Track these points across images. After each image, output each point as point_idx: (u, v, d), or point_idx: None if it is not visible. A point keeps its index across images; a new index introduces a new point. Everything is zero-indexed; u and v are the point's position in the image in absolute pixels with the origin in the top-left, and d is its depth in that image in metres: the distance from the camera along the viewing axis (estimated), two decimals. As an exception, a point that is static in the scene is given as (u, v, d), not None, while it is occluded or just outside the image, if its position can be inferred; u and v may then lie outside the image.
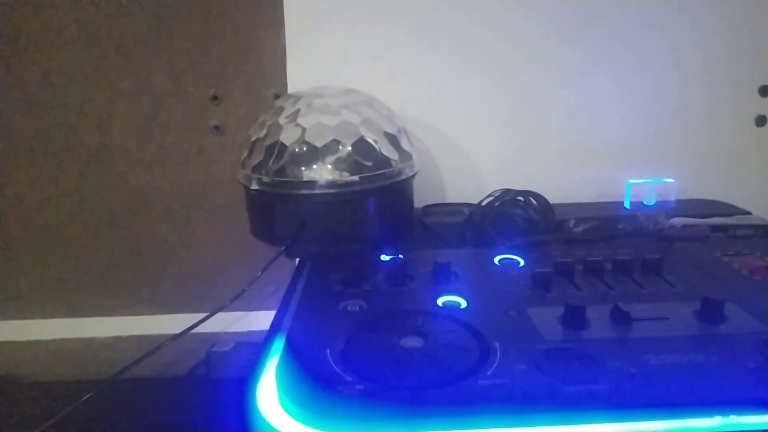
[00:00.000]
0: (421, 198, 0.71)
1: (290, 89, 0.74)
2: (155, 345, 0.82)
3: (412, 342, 0.41)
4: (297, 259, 0.59)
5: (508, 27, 0.72)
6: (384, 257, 0.56)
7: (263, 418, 0.35)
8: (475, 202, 0.63)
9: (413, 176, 0.60)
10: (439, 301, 0.47)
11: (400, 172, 0.57)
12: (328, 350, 0.40)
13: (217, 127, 0.75)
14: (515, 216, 0.62)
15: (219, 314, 0.83)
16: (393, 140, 0.58)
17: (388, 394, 0.35)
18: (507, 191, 0.62)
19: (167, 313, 0.82)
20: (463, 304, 0.47)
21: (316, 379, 0.37)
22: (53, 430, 0.64)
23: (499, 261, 0.55)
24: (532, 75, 0.74)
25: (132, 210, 0.77)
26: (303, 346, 0.41)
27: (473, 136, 0.75)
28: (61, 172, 0.75)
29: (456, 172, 0.75)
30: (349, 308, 0.47)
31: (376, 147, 0.56)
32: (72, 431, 0.65)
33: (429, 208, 0.68)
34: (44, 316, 0.81)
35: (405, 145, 0.59)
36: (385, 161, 0.56)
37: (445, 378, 0.36)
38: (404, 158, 0.58)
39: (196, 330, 0.82)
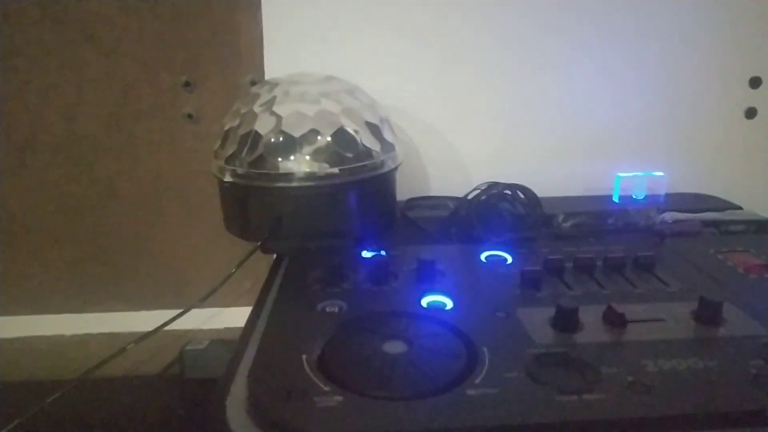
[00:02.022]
0: (404, 191, 0.68)
1: (268, 76, 0.70)
2: (126, 343, 0.78)
3: (395, 347, 0.38)
4: (274, 255, 0.56)
5: (496, 17, 0.69)
6: (366, 254, 0.53)
7: (229, 429, 0.32)
8: (461, 195, 0.61)
9: (396, 168, 0.57)
10: (424, 302, 0.45)
11: (382, 164, 0.54)
12: (304, 356, 0.37)
13: (190, 116, 0.71)
14: (502, 210, 0.59)
15: (193, 311, 0.80)
16: (375, 130, 0.55)
17: (369, 406, 0.32)
18: (494, 184, 0.59)
19: (138, 309, 0.78)
20: (449, 304, 0.44)
21: (291, 387, 0.34)
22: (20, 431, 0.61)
23: (486, 258, 0.53)
24: (520, 66, 0.71)
25: (101, 202, 0.73)
26: (277, 351, 0.38)
27: (459, 128, 0.72)
28: (25, 162, 0.71)
29: (441, 165, 0.73)
30: (327, 309, 0.44)
31: (357, 138, 0.53)
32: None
33: (413, 202, 0.65)
34: (8, 313, 0.77)
35: (387, 135, 0.56)
36: (367, 152, 0.53)
37: (430, 387, 0.34)
38: (386, 149, 0.55)
39: (169, 327, 0.79)
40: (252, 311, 0.47)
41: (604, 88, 0.72)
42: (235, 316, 0.81)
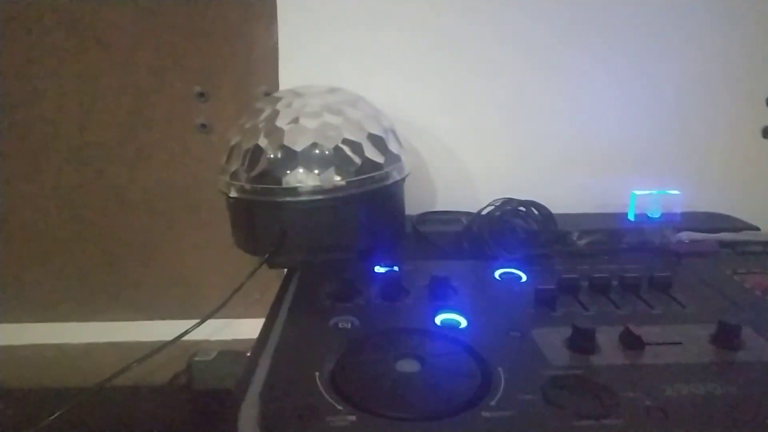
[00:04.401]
0: (417, 205, 0.68)
1: (282, 87, 0.70)
2: (133, 353, 0.78)
3: (408, 366, 0.38)
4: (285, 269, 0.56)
5: (511, 31, 0.69)
6: (378, 269, 0.53)
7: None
8: (473, 210, 0.60)
9: (402, 180, 0.56)
10: (437, 319, 0.44)
11: (386, 176, 0.54)
12: (317, 373, 0.37)
13: (204, 125, 0.71)
14: (516, 227, 0.59)
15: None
16: (379, 142, 0.54)
17: (382, 427, 0.32)
18: (508, 200, 0.59)
19: (146, 319, 0.78)
20: (463, 323, 0.43)
21: (303, 406, 0.33)
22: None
23: (500, 275, 0.52)
24: (535, 82, 0.71)
25: (112, 210, 0.73)
26: (290, 368, 0.38)
27: (472, 142, 0.72)
28: (38, 169, 0.71)
29: (453, 180, 0.72)
30: (340, 325, 0.43)
31: (360, 150, 0.52)
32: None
33: (425, 216, 0.65)
34: (16, 320, 0.77)
35: (393, 146, 0.55)
36: (370, 164, 0.53)
37: (444, 408, 0.33)
38: (391, 161, 0.54)
39: (175, 337, 0.78)
40: (264, 325, 0.47)
41: (618, 103, 0.72)
42: (243, 328, 0.80)
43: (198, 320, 0.77)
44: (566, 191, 0.70)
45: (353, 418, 0.32)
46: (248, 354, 0.74)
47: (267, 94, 0.71)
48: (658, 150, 0.72)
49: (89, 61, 0.68)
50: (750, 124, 0.73)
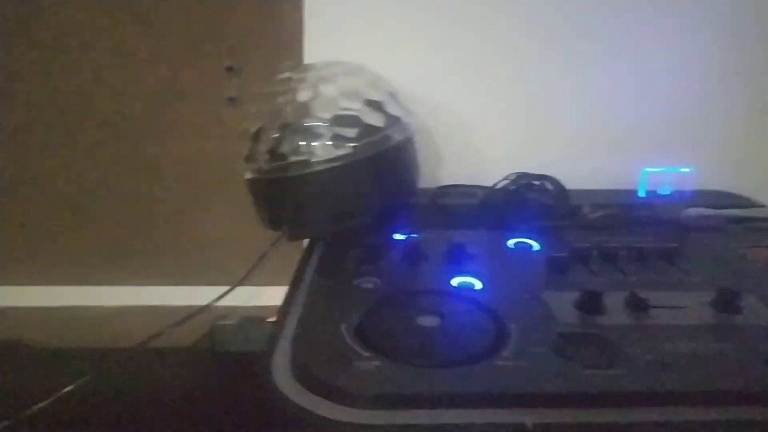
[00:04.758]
0: (436, 179, 0.71)
1: (308, 62, 0.73)
2: (161, 316, 0.82)
3: (429, 321, 0.41)
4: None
5: (527, 12, 0.71)
6: (398, 236, 0.56)
7: (279, 391, 0.35)
8: (490, 184, 0.63)
9: (407, 141, 0.58)
10: (454, 282, 0.47)
11: (387, 138, 0.56)
12: (343, 326, 0.40)
13: (232, 99, 0.74)
14: (530, 200, 0.61)
15: (224, 288, 0.83)
16: (377, 107, 0.56)
17: (405, 371, 0.35)
18: (523, 175, 0.61)
19: (174, 284, 0.82)
20: (478, 285, 0.46)
21: (332, 353, 0.37)
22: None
23: (514, 244, 0.55)
24: (550, 60, 0.73)
25: (145, 180, 0.77)
26: (319, 321, 0.41)
27: (489, 119, 0.74)
28: (75, 139, 0.75)
29: (472, 155, 0.75)
30: (363, 285, 0.46)
31: (357, 117, 0.55)
32: (73, 402, 0.66)
33: (443, 189, 0.68)
34: (52, 283, 0.81)
35: (393, 109, 0.57)
36: (371, 129, 0.55)
37: (462, 357, 0.36)
38: (391, 122, 0.56)
39: (198, 303, 0.82)
40: (290, 285, 0.50)
41: (632, 83, 0.74)
42: (265, 295, 0.84)
43: (227, 287, 0.81)
44: (579, 168, 0.72)
45: (378, 363, 0.36)
46: (271, 319, 0.78)
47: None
48: (670, 129, 0.74)
49: (124, 35, 0.71)
50: (762, 103, 0.75)
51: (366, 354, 0.36)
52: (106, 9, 0.70)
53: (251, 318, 0.81)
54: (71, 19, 0.71)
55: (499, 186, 0.62)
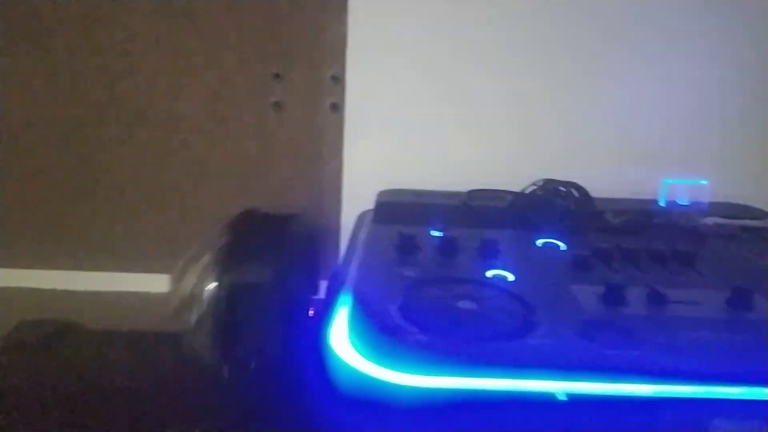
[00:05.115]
0: (469, 183, 0.75)
1: (349, 72, 0.78)
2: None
3: (467, 304, 0.45)
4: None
5: (558, 23, 0.76)
6: (434, 233, 0.61)
7: (339, 357, 0.40)
8: (518, 189, 0.67)
9: None
10: (488, 273, 0.52)
11: None
12: (391, 306, 0.44)
13: (277, 104, 0.80)
14: (556, 205, 0.66)
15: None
16: None
17: (447, 346, 0.40)
18: (550, 181, 0.66)
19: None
20: (510, 277, 0.51)
21: (382, 328, 0.41)
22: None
23: (542, 244, 0.60)
24: (576, 72, 0.77)
25: (192, 176, 0.82)
26: (368, 302, 0.46)
27: (519, 128, 0.79)
28: (132, 135, 0.80)
29: (502, 161, 0.79)
30: (405, 273, 0.51)
31: None
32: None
33: (474, 193, 0.72)
34: (104, 270, 0.86)
35: None
36: None
37: (497, 335, 0.41)
38: None
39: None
40: (330, 279, 0.55)
41: (654, 96, 0.78)
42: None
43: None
44: (603, 177, 0.76)
45: (424, 337, 0.40)
46: (310, 312, 0.82)
47: (335, 79, 0.79)
48: (690, 141, 0.78)
49: (181, 41, 0.77)
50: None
51: (413, 329, 0.41)
52: (165, 17, 0.76)
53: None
54: (133, 25, 0.76)
55: (527, 191, 0.66)
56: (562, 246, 0.58)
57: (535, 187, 0.66)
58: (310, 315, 0.86)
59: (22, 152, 0.82)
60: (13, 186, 0.83)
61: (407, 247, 0.56)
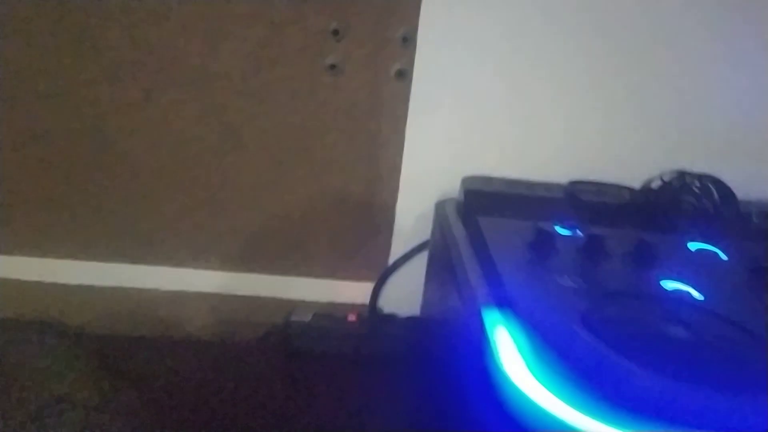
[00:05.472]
0: (567, 173, 0.63)
1: (421, 32, 0.65)
2: (222, 305, 0.73)
3: (679, 331, 0.33)
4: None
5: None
6: (561, 230, 0.48)
7: (524, 393, 0.27)
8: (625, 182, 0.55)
9: None
10: (666, 286, 0.39)
11: None
12: (573, 325, 0.31)
13: (333, 66, 0.66)
14: (687, 203, 0.54)
15: (297, 279, 0.75)
16: None
17: (690, 395, 0.27)
18: (682, 174, 0.54)
19: (243, 271, 0.73)
20: (696, 294, 0.38)
21: (580, 360, 0.28)
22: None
23: (695, 249, 0.47)
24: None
25: (222, 148, 0.68)
26: (542, 323, 0.33)
27: (621, 112, 0.67)
28: (150, 97, 0.65)
29: (604, 150, 0.67)
30: (565, 284, 0.38)
31: None
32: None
33: (576, 186, 0.60)
34: (101, 260, 0.71)
35: None
36: None
37: (740, 383, 0.28)
38: None
39: (271, 294, 0.74)
40: (447, 275, 0.42)
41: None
42: (344, 290, 0.75)
43: (299, 277, 0.72)
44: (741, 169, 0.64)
45: (639, 372, 0.28)
46: (352, 318, 0.69)
47: (405, 40, 0.66)
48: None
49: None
50: None
51: (627, 365, 0.28)
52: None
53: (325, 316, 0.73)
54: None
55: (654, 185, 0.54)
56: (721, 255, 0.46)
57: (661, 182, 0.54)
58: (350, 321, 0.73)
59: (17, 115, 0.66)
60: (9, 157, 0.67)
61: (545, 248, 0.43)
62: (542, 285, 0.38)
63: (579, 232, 0.48)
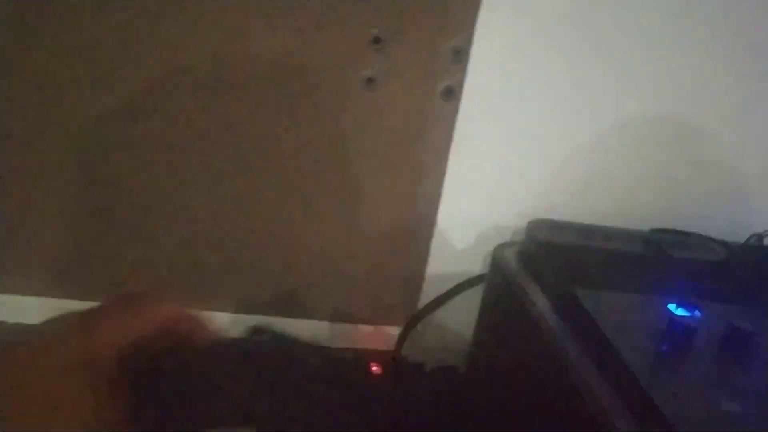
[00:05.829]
0: (645, 217, 0.54)
1: (476, 44, 0.55)
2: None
3: None
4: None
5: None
6: (675, 309, 0.39)
7: None
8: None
9: None
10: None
11: None
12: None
13: (371, 80, 0.55)
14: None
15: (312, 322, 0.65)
16: None
17: None
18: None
19: (242, 312, 0.62)
20: None
21: None
22: None
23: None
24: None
25: (231, 170, 0.57)
26: None
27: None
28: (145, 106, 0.53)
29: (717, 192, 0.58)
30: (731, 409, 0.29)
31: None
32: None
33: (659, 235, 0.51)
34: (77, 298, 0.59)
35: None
36: None
37: None
38: None
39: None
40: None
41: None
42: (364, 336, 0.66)
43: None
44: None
45: None
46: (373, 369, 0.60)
47: (457, 52, 0.56)
48: None
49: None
50: None
51: None
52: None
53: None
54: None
55: (751, 242, 0.46)
56: None
57: (762, 240, 0.46)
58: (373, 371, 0.63)
59: None
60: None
61: (681, 345, 0.34)
62: (701, 407, 0.29)
63: (698, 313, 0.39)
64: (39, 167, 0.54)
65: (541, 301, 0.43)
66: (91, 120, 0.53)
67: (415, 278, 0.63)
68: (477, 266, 0.62)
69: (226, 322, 0.62)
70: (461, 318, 0.61)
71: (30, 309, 0.58)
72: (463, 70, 0.57)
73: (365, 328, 0.65)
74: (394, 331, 0.64)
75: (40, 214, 0.56)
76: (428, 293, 0.64)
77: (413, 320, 0.64)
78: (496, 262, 0.51)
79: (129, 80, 0.52)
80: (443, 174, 0.60)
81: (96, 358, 0.24)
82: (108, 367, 0.24)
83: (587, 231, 0.52)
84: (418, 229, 0.61)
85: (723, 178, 0.60)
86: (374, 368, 0.64)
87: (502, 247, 0.52)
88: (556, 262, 0.46)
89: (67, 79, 0.51)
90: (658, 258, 0.49)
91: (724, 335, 0.36)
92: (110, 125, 0.53)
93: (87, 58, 0.51)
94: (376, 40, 0.55)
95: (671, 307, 0.40)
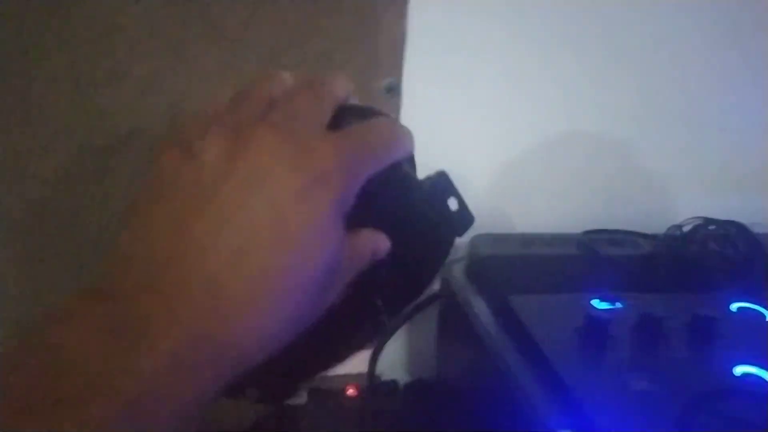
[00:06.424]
0: (580, 222, 0.59)
1: (406, 82, 0.60)
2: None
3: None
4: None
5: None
6: (597, 304, 0.44)
7: None
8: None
9: None
10: (736, 371, 0.35)
11: None
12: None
13: (313, 123, 0.59)
14: (711, 254, 0.50)
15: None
16: None
17: None
18: (705, 221, 0.51)
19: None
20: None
21: None
22: None
23: (737, 309, 0.44)
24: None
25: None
26: None
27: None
28: (108, 165, 0.57)
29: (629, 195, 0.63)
30: (637, 387, 0.34)
31: None
32: None
33: (591, 236, 0.56)
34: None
35: None
36: None
37: None
38: None
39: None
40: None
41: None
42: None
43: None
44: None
45: None
46: (348, 392, 0.63)
47: (389, 90, 0.61)
48: None
49: (185, 36, 0.55)
50: None
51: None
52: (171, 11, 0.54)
53: (320, 392, 0.66)
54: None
55: (675, 234, 0.51)
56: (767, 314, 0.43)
57: (680, 231, 0.51)
58: (349, 395, 0.67)
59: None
60: None
61: (597, 336, 0.38)
62: (613, 390, 0.33)
63: (619, 304, 0.44)
64: None
65: (482, 312, 0.47)
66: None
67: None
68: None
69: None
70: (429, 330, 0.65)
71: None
72: (397, 106, 0.62)
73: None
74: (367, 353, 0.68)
75: None
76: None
77: (381, 341, 0.67)
78: (446, 279, 0.55)
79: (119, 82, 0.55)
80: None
81: None
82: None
83: (526, 240, 0.56)
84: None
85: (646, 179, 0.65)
86: (350, 390, 0.67)
87: (450, 263, 0.56)
88: (496, 273, 0.50)
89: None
90: (587, 258, 0.53)
91: (638, 323, 0.40)
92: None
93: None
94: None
95: (594, 302, 0.44)
